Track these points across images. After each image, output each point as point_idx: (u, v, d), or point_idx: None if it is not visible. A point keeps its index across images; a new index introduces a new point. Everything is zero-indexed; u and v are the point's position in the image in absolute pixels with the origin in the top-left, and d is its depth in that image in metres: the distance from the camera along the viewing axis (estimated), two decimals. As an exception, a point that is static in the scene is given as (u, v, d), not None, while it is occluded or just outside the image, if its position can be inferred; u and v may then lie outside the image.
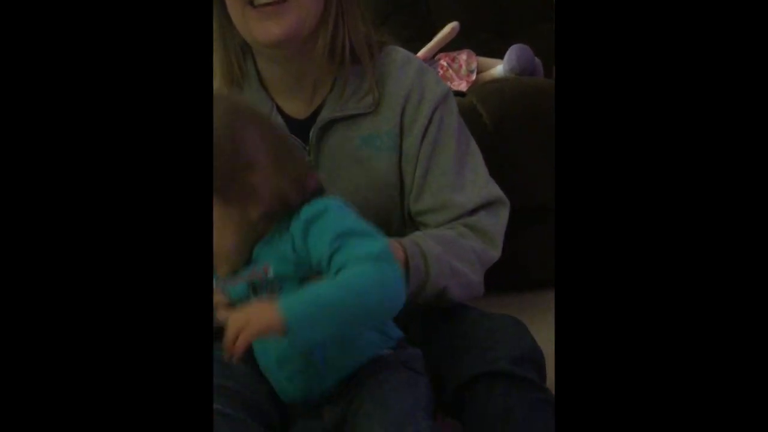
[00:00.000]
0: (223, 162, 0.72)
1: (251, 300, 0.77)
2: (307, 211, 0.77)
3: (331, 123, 0.97)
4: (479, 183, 1.01)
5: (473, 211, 0.99)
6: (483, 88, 1.64)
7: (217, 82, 0.97)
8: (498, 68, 1.75)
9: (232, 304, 0.77)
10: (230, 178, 0.74)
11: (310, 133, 0.97)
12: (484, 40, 1.93)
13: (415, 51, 1.82)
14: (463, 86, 1.73)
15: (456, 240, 0.95)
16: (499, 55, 1.74)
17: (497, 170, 1.34)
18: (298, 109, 0.99)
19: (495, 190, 1.02)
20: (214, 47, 0.97)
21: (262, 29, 0.90)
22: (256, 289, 0.77)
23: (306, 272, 0.77)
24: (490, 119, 1.44)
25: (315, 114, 0.98)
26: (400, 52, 1.04)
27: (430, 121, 0.99)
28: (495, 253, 0.99)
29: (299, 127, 0.97)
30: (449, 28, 1.83)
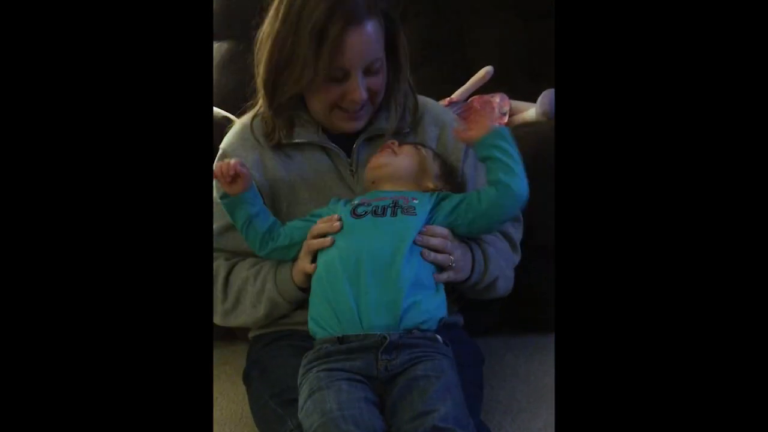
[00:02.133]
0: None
1: (387, 214, 1.04)
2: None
3: (375, 137, 1.20)
4: None
5: None
6: (515, 132, 1.66)
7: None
8: (530, 111, 1.77)
9: (359, 214, 1.04)
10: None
11: (354, 145, 1.19)
12: (518, 84, 1.96)
13: (449, 93, 1.86)
14: (495, 128, 1.75)
15: (497, 242, 1.20)
16: (533, 99, 1.77)
17: (529, 212, 1.35)
18: (342, 129, 1.18)
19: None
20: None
21: (346, 125, 1.16)
22: (396, 207, 1.04)
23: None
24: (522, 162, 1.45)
25: (357, 132, 1.19)
26: (427, 98, 1.29)
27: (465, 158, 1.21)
28: (518, 257, 1.25)
29: (344, 140, 1.19)
30: (483, 72, 1.86)
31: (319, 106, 1.14)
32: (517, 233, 1.27)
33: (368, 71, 1.10)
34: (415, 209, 1.05)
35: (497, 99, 1.83)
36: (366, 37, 1.06)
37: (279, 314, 1.11)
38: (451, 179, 1.17)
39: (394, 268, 0.97)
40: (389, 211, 1.04)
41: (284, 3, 1.08)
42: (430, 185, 1.12)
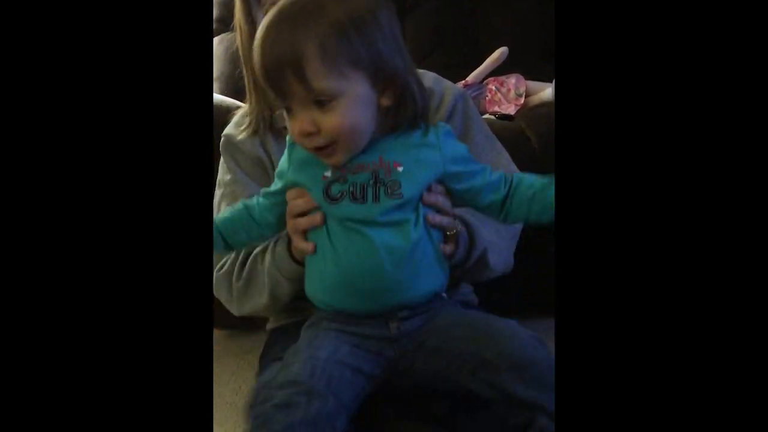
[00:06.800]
0: (376, 39, 0.81)
1: (368, 190, 0.85)
2: (447, 128, 0.90)
3: None
4: (503, 162, 1.13)
5: None
6: (531, 112, 1.66)
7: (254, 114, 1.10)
8: (547, 91, 1.76)
9: (333, 197, 0.86)
10: (379, 59, 0.81)
11: None
12: (533, 64, 1.94)
13: (465, 76, 1.85)
14: (511, 110, 1.75)
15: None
16: (549, 79, 1.76)
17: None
18: None
19: (515, 169, 1.13)
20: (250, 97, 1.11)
21: None
22: (377, 180, 0.85)
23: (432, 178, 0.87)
24: (538, 143, 1.45)
25: None
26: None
27: (452, 112, 1.11)
28: (518, 225, 1.11)
29: None
30: (498, 53, 1.85)
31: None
32: None
33: None
34: (400, 186, 0.84)
35: (513, 80, 1.82)
36: None
37: (281, 294, 1.03)
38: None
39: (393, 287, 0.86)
40: (370, 192, 0.84)
41: None
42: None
